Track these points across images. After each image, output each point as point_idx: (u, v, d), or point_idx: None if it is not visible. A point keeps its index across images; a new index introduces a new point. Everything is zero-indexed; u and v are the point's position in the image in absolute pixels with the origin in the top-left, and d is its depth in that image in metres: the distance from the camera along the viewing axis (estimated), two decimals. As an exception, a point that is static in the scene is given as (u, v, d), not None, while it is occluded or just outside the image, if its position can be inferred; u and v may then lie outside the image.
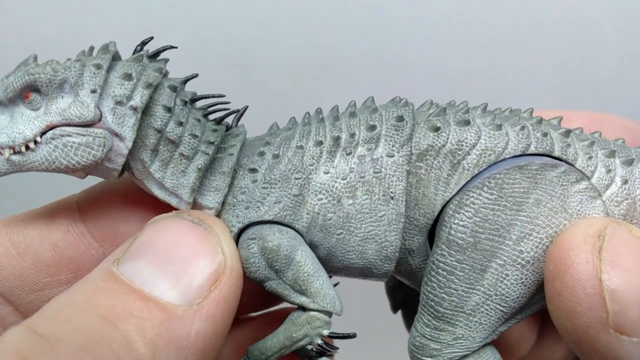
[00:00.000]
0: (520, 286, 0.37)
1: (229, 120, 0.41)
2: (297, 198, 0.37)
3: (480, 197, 0.37)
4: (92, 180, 0.42)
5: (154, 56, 0.38)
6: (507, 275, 0.36)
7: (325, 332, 0.37)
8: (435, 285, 0.37)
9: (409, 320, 0.49)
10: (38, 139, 0.35)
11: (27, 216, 0.40)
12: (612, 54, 0.80)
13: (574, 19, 0.79)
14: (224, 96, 0.40)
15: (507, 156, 0.37)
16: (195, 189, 0.38)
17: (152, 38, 0.39)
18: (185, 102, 0.38)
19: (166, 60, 0.38)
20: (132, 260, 0.34)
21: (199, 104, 0.40)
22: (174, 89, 0.37)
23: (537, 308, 0.39)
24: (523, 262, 0.36)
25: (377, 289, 0.53)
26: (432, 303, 0.37)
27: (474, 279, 0.36)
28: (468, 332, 0.37)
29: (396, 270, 0.40)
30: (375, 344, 0.69)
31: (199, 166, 0.37)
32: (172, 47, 0.38)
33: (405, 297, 0.50)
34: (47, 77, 0.35)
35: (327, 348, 0.38)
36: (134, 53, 0.38)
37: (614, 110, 0.79)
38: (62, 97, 0.35)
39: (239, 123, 0.42)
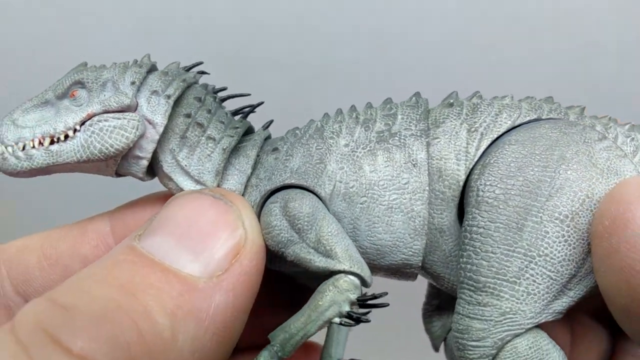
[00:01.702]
0: (563, 244, 0.34)
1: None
2: (319, 165, 0.38)
3: (504, 155, 0.36)
4: (124, 198, 0.43)
5: (188, 70, 0.42)
6: (547, 232, 0.34)
7: (354, 297, 0.34)
8: (470, 252, 0.34)
9: (451, 353, 0.46)
10: (78, 127, 0.38)
11: (61, 230, 0.42)
12: (612, 54, 0.80)
13: (574, 18, 0.79)
14: (249, 94, 0.43)
15: (523, 121, 0.38)
16: (220, 171, 0.39)
17: (179, 63, 0.42)
18: (215, 99, 0.41)
19: (201, 75, 0.42)
20: (153, 235, 0.34)
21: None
22: (205, 87, 0.41)
23: (590, 284, 0.35)
24: (561, 217, 0.34)
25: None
26: (471, 274, 0.34)
27: (512, 239, 0.34)
28: (516, 304, 0.33)
29: (429, 263, 0.38)
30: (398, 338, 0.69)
31: (225, 147, 0.40)
32: (204, 73, 0.42)
33: (446, 330, 0.44)
34: (94, 75, 0.39)
35: (358, 318, 0.34)
36: None
37: (613, 110, 0.79)
38: (104, 93, 0.39)
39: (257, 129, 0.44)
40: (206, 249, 0.34)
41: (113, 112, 0.38)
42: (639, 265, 0.30)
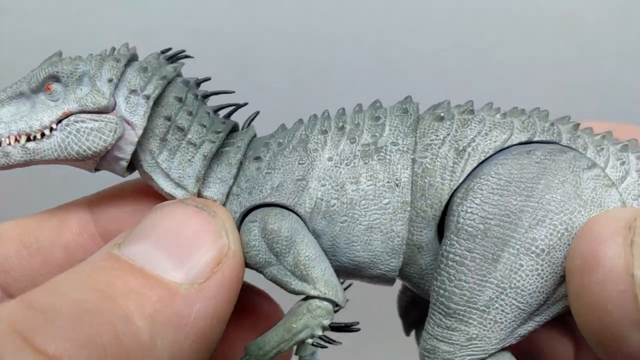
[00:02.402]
0: (536, 278, 0.34)
1: (232, 119, 0.42)
2: (300, 182, 0.37)
3: (488, 183, 0.35)
4: (104, 183, 0.42)
5: (170, 58, 0.40)
6: (522, 265, 0.34)
7: (327, 322, 0.35)
8: (445, 278, 0.35)
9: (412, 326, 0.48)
10: (54, 125, 0.37)
11: (39, 217, 0.41)
12: (612, 54, 0.80)
13: (574, 18, 0.79)
14: (234, 92, 0.41)
15: (513, 142, 0.37)
16: (201, 177, 0.38)
17: (170, 49, 0.40)
18: (197, 96, 0.39)
19: (182, 64, 0.40)
20: (134, 243, 0.34)
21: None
22: (186, 83, 0.39)
23: (557, 310, 0.36)
24: (537, 251, 0.34)
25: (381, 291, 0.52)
26: (443, 299, 0.35)
27: (486, 270, 0.34)
28: (483, 331, 0.34)
29: (405, 273, 0.39)
30: (380, 340, 0.69)
31: (205, 153, 0.38)
32: (187, 57, 0.40)
33: (418, 319, 0.47)
34: (69, 69, 0.37)
35: (329, 341, 0.37)
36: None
37: (613, 110, 0.79)
38: (81, 88, 0.37)
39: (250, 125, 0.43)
40: (189, 257, 0.33)
41: (90, 112, 0.37)
42: (610, 305, 0.30)
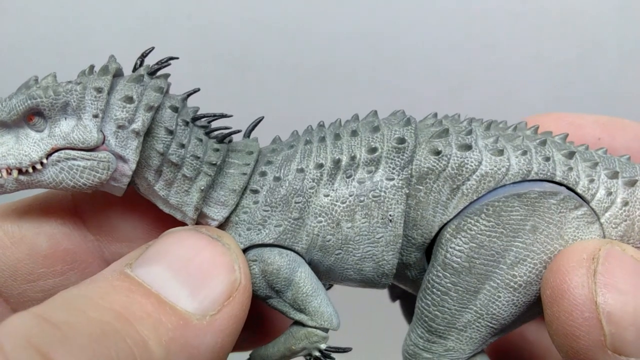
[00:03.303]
0: (511, 307, 0.38)
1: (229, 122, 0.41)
2: (297, 221, 0.38)
3: (478, 224, 0.37)
4: None
5: (155, 71, 0.38)
6: (499, 297, 0.37)
7: (323, 346, 0.39)
8: (429, 302, 0.38)
9: (407, 311, 0.50)
10: (44, 160, 0.36)
11: (21, 205, 0.40)
12: (612, 54, 0.80)
13: (574, 18, 0.79)
14: (226, 115, 0.40)
15: (507, 182, 0.37)
16: (199, 207, 0.38)
17: (152, 49, 0.39)
18: (187, 123, 0.38)
19: (167, 76, 0.38)
20: (148, 265, 0.34)
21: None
22: (175, 109, 0.37)
23: (527, 321, 0.40)
24: (515, 286, 0.37)
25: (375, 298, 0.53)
26: (426, 319, 0.38)
27: (467, 300, 0.38)
28: (459, 345, 0.38)
29: (395, 284, 0.42)
30: (372, 351, 0.69)
31: (202, 187, 0.38)
32: (172, 58, 0.38)
33: (404, 291, 0.50)
34: (49, 101, 0.35)
35: (336, 351, 0.39)
36: (134, 67, 0.38)
37: (613, 110, 0.79)
38: (65, 118, 0.36)
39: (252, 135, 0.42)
40: (202, 287, 0.34)
41: (79, 149, 0.36)
42: (577, 331, 0.33)
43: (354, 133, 0.39)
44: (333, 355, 0.39)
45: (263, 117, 0.42)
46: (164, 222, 0.39)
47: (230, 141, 0.40)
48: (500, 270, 0.37)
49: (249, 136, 0.41)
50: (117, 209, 0.40)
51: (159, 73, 0.38)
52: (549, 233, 0.37)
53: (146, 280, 0.33)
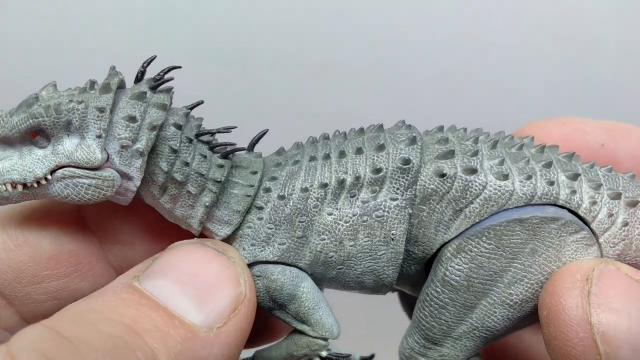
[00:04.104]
0: (506, 321, 0.39)
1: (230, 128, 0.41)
2: (301, 240, 0.39)
3: (479, 247, 0.38)
4: None
5: (157, 86, 0.37)
6: (495, 312, 0.38)
7: (324, 354, 0.40)
8: (427, 314, 0.39)
9: (406, 304, 0.50)
10: (49, 177, 0.36)
11: (25, 209, 0.40)
12: (612, 54, 0.80)
13: (574, 19, 0.79)
14: (229, 131, 0.39)
15: (511, 207, 0.38)
16: (204, 221, 0.39)
17: (154, 58, 0.38)
18: (191, 140, 0.38)
19: (170, 90, 0.38)
20: (156, 279, 0.34)
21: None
22: (179, 127, 0.37)
23: (522, 329, 0.41)
24: (512, 303, 0.38)
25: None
26: (424, 328, 0.40)
27: (464, 314, 0.39)
28: (454, 352, 0.40)
29: (396, 288, 0.43)
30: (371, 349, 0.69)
31: (207, 204, 0.38)
32: (174, 68, 0.38)
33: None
34: (52, 121, 0.35)
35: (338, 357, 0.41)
36: (136, 78, 0.38)
37: (613, 110, 0.79)
38: (68, 136, 0.36)
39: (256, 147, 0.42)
40: (208, 301, 0.34)
41: (84, 168, 0.36)
42: (574, 351, 0.34)
43: (359, 151, 0.39)
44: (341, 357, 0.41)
45: (267, 130, 0.41)
46: (169, 226, 0.40)
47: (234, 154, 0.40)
48: (497, 289, 0.38)
49: (253, 148, 0.41)
50: (121, 212, 0.40)
51: (162, 85, 0.38)
52: (547, 256, 0.38)
53: (154, 293, 0.33)
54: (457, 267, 0.38)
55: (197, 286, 0.34)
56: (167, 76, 0.38)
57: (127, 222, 0.41)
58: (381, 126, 0.41)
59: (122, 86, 0.38)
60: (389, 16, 0.80)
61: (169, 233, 0.40)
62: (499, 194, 0.38)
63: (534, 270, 0.38)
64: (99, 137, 0.36)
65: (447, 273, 0.38)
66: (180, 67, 0.38)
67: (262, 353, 0.41)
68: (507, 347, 0.50)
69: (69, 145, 0.36)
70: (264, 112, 0.78)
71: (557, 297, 0.35)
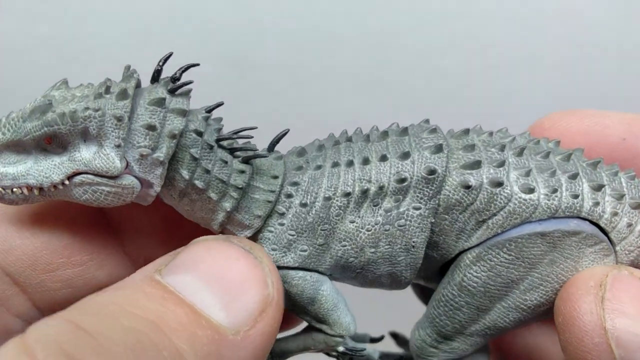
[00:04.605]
0: (517, 323, 0.40)
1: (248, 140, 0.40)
2: (322, 246, 0.39)
3: (498, 257, 0.38)
4: None
5: (175, 90, 0.36)
6: (508, 315, 0.39)
7: (341, 349, 0.41)
8: (441, 312, 0.40)
9: (421, 293, 0.50)
10: (66, 182, 0.35)
11: None
12: (612, 54, 0.80)
13: (574, 18, 0.79)
14: (250, 135, 0.39)
15: (534, 220, 0.38)
16: (224, 224, 0.38)
17: (170, 54, 0.37)
18: (212, 147, 0.37)
19: (189, 92, 0.37)
20: (180, 273, 0.33)
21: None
22: (199, 133, 0.36)
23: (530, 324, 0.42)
24: (525, 308, 0.39)
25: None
26: (437, 325, 0.40)
27: (477, 315, 0.39)
28: (464, 346, 0.41)
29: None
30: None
31: (227, 209, 0.38)
32: (193, 66, 0.37)
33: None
34: (67, 128, 0.34)
35: (352, 353, 0.42)
36: (154, 75, 0.37)
37: (613, 110, 0.79)
38: (85, 142, 0.35)
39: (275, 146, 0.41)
40: (235, 301, 0.33)
41: (103, 176, 0.35)
42: (589, 356, 0.34)
43: (383, 158, 0.38)
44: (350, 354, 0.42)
45: (288, 130, 0.40)
46: (187, 218, 0.39)
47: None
48: (513, 294, 0.39)
49: (273, 149, 0.40)
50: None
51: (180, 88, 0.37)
52: (565, 266, 0.38)
53: (178, 288, 0.32)
54: (475, 274, 0.38)
55: (224, 285, 0.33)
56: (185, 76, 0.37)
57: (146, 211, 0.40)
58: (405, 129, 0.40)
59: (138, 85, 0.37)
60: (389, 17, 0.80)
61: (189, 224, 0.39)
62: (523, 207, 0.37)
63: (551, 279, 0.38)
64: (118, 145, 0.35)
65: (465, 279, 0.39)
66: (198, 65, 0.37)
67: (279, 343, 0.42)
68: (515, 340, 0.50)
69: (86, 153, 0.35)
70: (265, 112, 0.78)
71: (572, 303, 0.35)
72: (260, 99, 0.81)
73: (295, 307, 0.40)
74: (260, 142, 0.42)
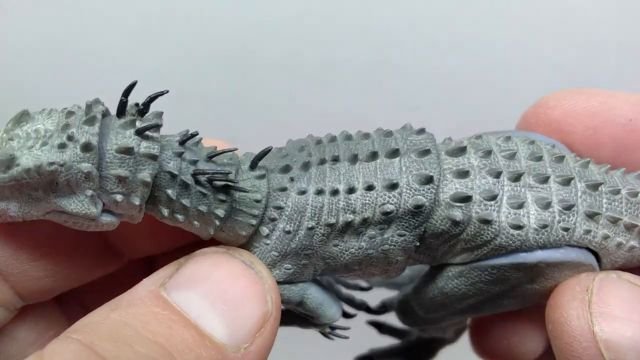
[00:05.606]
0: (495, 312, 0.42)
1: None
2: (305, 265, 0.39)
3: (480, 277, 0.39)
4: None
5: (143, 132, 0.34)
6: (485, 310, 0.41)
7: (327, 330, 0.44)
8: (424, 304, 0.42)
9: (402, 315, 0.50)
10: (43, 217, 0.35)
11: None
12: (612, 54, 0.80)
13: (573, 18, 0.79)
14: (226, 176, 0.36)
15: (520, 252, 0.38)
16: (209, 238, 0.39)
17: (134, 83, 0.35)
18: (187, 185, 0.36)
19: (158, 128, 0.35)
20: (184, 290, 0.34)
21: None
22: (173, 176, 0.35)
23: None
24: (501, 308, 0.41)
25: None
26: (423, 309, 0.43)
27: (458, 310, 0.42)
28: (444, 319, 0.45)
29: None
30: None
31: (210, 232, 0.38)
32: (160, 95, 0.35)
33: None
34: (36, 181, 0.33)
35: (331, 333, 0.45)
36: (119, 107, 0.35)
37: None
38: (58, 188, 0.34)
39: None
40: (237, 318, 0.33)
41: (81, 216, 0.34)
42: None
43: (370, 188, 0.37)
44: (339, 332, 0.45)
45: (271, 148, 0.39)
46: None
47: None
48: (491, 301, 0.40)
49: (254, 166, 0.38)
50: None
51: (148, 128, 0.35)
52: (545, 284, 0.38)
53: (184, 308, 0.33)
54: (456, 287, 0.39)
55: (226, 303, 0.34)
56: (154, 116, 0.35)
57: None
58: (396, 150, 0.38)
59: (106, 114, 0.35)
60: (389, 16, 0.80)
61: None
62: (510, 242, 0.37)
63: (529, 292, 0.39)
64: (90, 196, 0.34)
65: (446, 288, 0.40)
66: (167, 92, 0.35)
67: None
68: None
69: (59, 197, 0.34)
70: (262, 112, 0.78)
71: (559, 310, 0.35)
72: (261, 99, 0.81)
73: (285, 306, 0.41)
74: (261, 142, 0.42)
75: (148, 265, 0.47)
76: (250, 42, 0.80)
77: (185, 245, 0.43)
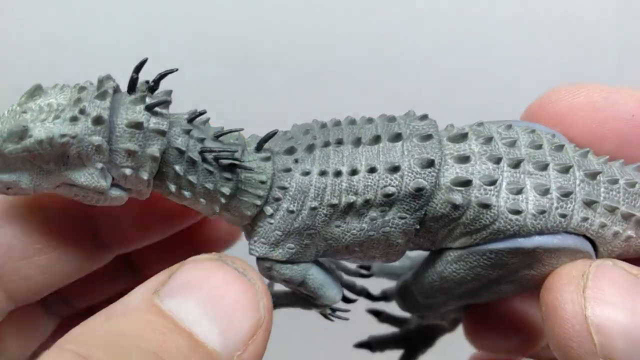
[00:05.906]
0: (492, 297, 0.43)
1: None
2: (308, 245, 0.39)
3: (478, 261, 0.39)
4: None
5: (152, 108, 0.36)
6: (482, 295, 0.42)
7: (328, 311, 0.44)
8: (424, 288, 0.42)
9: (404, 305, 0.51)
10: (53, 189, 0.36)
11: None
12: (612, 54, 0.80)
13: (574, 19, 0.79)
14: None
15: (518, 237, 0.38)
16: (214, 218, 0.40)
17: (146, 60, 0.36)
18: (194, 162, 0.37)
19: (167, 104, 0.36)
20: (177, 297, 0.34)
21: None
22: (181, 152, 0.36)
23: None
24: (499, 293, 0.42)
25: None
26: (423, 294, 0.43)
27: (456, 296, 0.42)
28: (443, 304, 0.45)
29: None
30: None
31: (215, 211, 0.39)
32: (170, 72, 0.36)
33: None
34: (47, 152, 0.34)
35: (330, 316, 0.45)
36: (130, 84, 0.36)
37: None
38: (69, 161, 0.35)
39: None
40: (230, 326, 0.34)
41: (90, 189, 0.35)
42: (571, 342, 0.35)
43: (372, 170, 0.37)
44: (338, 313, 0.45)
45: (277, 131, 0.40)
46: (160, 199, 0.40)
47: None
48: (489, 285, 0.40)
49: (260, 148, 0.39)
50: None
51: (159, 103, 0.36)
52: (542, 270, 0.39)
53: (179, 316, 0.33)
54: (455, 271, 0.40)
55: (220, 311, 0.34)
56: (166, 84, 0.36)
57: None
58: (399, 135, 0.38)
59: (116, 90, 0.36)
60: (389, 17, 0.80)
61: (165, 206, 0.41)
62: (508, 226, 0.37)
63: (527, 278, 0.39)
64: (101, 168, 0.35)
65: (445, 272, 0.40)
66: (176, 70, 0.37)
67: (279, 293, 0.45)
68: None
69: (70, 169, 0.35)
70: (263, 113, 0.78)
71: (554, 293, 0.36)
72: (261, 99, 0.81)
73: (286, 286, 0.42)
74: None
75: (137, 270, 0.48)
76: (250, 42, 0.80)
77: (172, 242, 0.44)
